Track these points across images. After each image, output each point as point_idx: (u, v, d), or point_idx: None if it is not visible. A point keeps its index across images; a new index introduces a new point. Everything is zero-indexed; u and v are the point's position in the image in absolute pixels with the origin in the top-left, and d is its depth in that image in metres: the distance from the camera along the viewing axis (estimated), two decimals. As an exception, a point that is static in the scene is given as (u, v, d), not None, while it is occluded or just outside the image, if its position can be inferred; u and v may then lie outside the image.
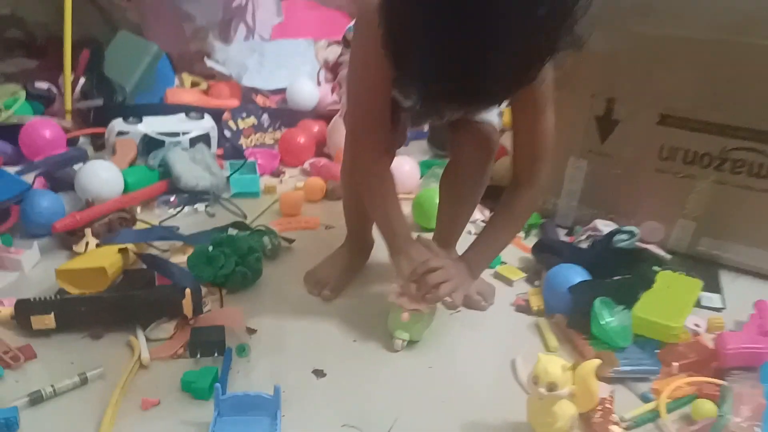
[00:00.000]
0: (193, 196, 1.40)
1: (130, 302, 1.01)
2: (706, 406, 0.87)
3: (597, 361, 0.80)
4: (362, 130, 0.98)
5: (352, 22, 0.99)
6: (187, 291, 1.00)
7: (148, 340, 0.97)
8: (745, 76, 1.10)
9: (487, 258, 1.07)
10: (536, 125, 0.96)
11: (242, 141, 1.66)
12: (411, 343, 1.00)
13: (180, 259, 1.15)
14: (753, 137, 1.14)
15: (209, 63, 1.91)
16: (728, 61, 1.10)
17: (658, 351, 0.99)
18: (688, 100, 1.16)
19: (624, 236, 1.19)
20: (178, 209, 1.37)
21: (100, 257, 1.08)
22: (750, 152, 1.15)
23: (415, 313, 0.97)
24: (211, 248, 1.12)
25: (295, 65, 1.96)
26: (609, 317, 0.99)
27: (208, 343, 0.96)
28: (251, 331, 1.02)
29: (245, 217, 1.37)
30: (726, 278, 1.24)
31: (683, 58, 1.13)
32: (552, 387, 0.77)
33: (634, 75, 1.18)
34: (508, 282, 1.19)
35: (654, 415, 0.88)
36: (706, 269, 1.25)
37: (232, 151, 1.63)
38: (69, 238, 1.20)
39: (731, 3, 1.07)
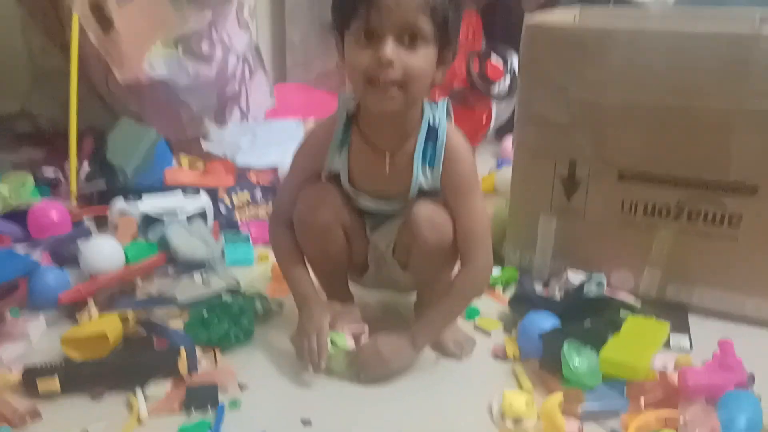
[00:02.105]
0: (190, 266, 1.48)
1: (129, 364, 1.08)
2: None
3: (560, 395, 0.87)
4: (276, 200, 1.27)
5: None
6: (182, 350, 1.07)
7: (146, 398, 1.03)
8: (689, 134, 1.21)
9: (432, 332, 1.14)
10: (466, 210, 1.09)
11: (237, 215, 1.75)
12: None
13: (177, 324, 1.22)
14: (703, 189, 1.23)
15: (205, 145, 2.04)
16: (674, 121, 1.21)
17: (626, 388, 1.05)
18: (643, 158, 1.26)
19: (593, 285, 1.27)
20: (176, 279, 1.44)
21: (102, 325, 1.15)
22: (703, 202, 1.24)
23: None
24: (205, 312, 1.20)
25: (285, 143, 2.09)
26: (577, 359, 1.06)
27: (202, 399, 1.02)
28: (242, 386, 1.08)
29: (238, 283, 1.44)
30: (694, 321, 1.30)
31: (635, 123, 1.24)
32: (517, 420, 0.83)
33: (592, 139, 1.29)
34: (486, 333, 1.26)
35: (623, 449, 0.94)
36: (676, 313, 1.31)
37: (227, 224, 1.72)
38: (73, 309, 1.27)
39: (674, 74, 1.19)
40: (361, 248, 1.21)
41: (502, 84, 2.31)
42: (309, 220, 1.14)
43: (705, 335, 1.25)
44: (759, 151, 1.17)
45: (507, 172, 1.75)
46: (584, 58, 1.25)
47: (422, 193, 1.11)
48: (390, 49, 0.93)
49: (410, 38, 0.95)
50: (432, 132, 1.08)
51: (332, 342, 1.10)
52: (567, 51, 1.26)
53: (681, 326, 1.27)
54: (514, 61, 2.32)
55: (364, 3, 0.93)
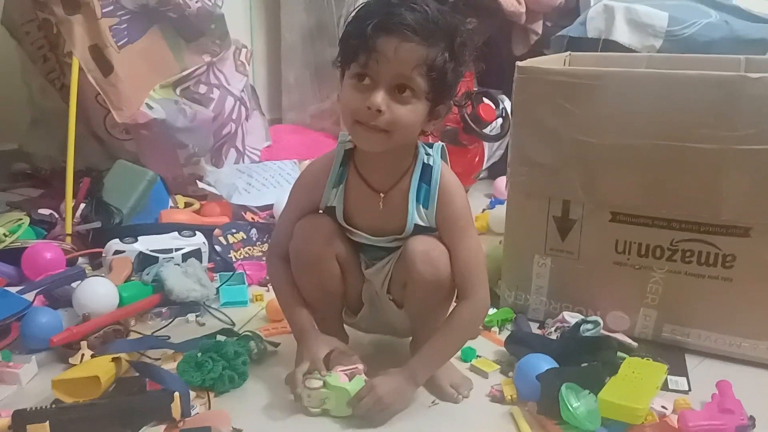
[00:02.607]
0: (184, 307, 1.47)
1: (121, 408, 1.06)
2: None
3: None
4: (273, 235, 1.26)
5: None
6: (176, 394, 1.06)
7: (138, 443, 1.02)
8: (681, 175, 1.22)
9: (431, 368, 1.14)
10: (462, 246, 1.11)
11: (232, 254, 1.75)
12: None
13: (170, 366, 1.21)
14: (696, 229, 1.24)
15: (201, 185, 2.05)
16: (666, 162, 1.22)
17: (625, 432, 1.04)
18: (634, 198, 1.27)
19: (589, 326, 1.27)
20: (170, 320, 1.44)
21: (94, 367, 1.14)
22: (696, 243, 1.24)
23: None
24: (199, 354, 1.19)
25: (281, 183, 2.10)
26: (576, 402, 1.05)
27: (197, 444, 1.01)
28: (237, 430, 1.06)
29: (233, 324, 1.44)
30: (691, 362, 1.30)
31: (626, 163, 1.26)
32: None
33: (583, 180, 1.30)
34: (483, 374, 1.25)
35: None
36: (672, 354, 1.30)
37: (222, 264, 1.72)
38: (66, 351, 1.26)
39: (663, 115, 1.21)
40: (356, 284, 1.21)
41: (495, 125, 2.34)
42: (304, 250, 1.15)
43: (703, 376, 1.24)
44: (750, 192, 1.18)
45: (500, 211, 1.77)
46: (575, 101, 1.27)
47: (418, 231, 1.12)
48: (380, 98, 0.97)
49: (402, 90, 0.99)
50: (426, 173, 1.11)
51: (327, 384, 1.08)
52: (558, 94, 1.28)
53: (678, 367, 1.26)
54: (506, 102, 2.36)
55: (364, 50, 0.96)
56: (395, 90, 0.98)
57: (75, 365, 1.21)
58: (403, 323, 1.22)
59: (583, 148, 1.28)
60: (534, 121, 1.33)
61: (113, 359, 1.17)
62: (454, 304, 1.16)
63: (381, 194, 1.11)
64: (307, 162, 2.23)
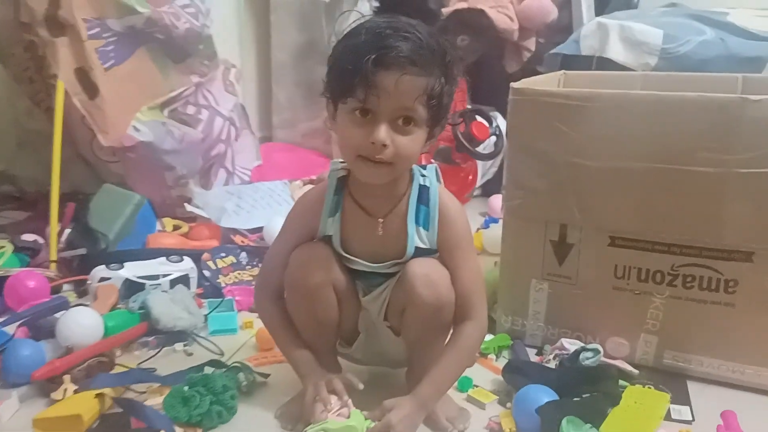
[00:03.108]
0: (172, 336, 1.43)
1: (104, 448, 1.02)
2: None
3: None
4: (263, 267, 1.22)
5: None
6: (162, 433, 1.02)
7: (122, 486, 0.98)
8: (681, 199, 1.19)
9: (439, 392, 1.10)
10: (464, 268, 1.09)
11: (221, 279, 1.71)
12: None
13: (157, 401, 1.17)
14: (698, 254, 1.21)
15: (189, 208, 2.01)
16: (665, 186, 1.19)
17: (629, 468, 1.01)
18: (633, 222, 1.24)
19: (589, 354, 1.23)
20: (157, 350, 1.39)
21: (77, 404, 1.10)
22: (697, 267, 1.21)
23: None
24: (186, 388, 1.14)
25: (271, 205, 2.07)
26: (577, 436, 1.01)
27: (184, 486, 0.97)
28: (227, 470, 1.02)
29: (222, 354, 1.40)
30: (694, 389, 1.26)
31: (624, 185, 1.23)
32: None
33: (581, 202, 1.27)
34: (481, 405, 1.21)
35: None
36: (674, 381, 1.27)
37: (211, 289, 1.68)
38: (48, 385, 1.21)
39: (661, 137, 1.18)
40: (352, 313, 1.17)
41: (488, 143, 2.31)
42: (300, 278, 1.11)
43: (706, 405, 1.20)
44: (752, 215, 1.15)
45: (494, 231, 1.74)
46: (569, 122, 1.24)
47: (418, 253, 1.10)
48: (383, 133, 0.96)
49: (404, 122, 0.98)
50: (423, 194, 1.09)
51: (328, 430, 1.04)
52: (552, 115, 1.25)
53: (681, 395, 1.23)
54: (499, 119, 2.34)
55: (363, 85, 0.94)
56: (397, 122, 0.97)
57: (57, 400, 1.17)
58: (399, 352, 1.18)
59: (578, 170, 1.25)
60: (529, 143, 1.30)
61: (97, 395, 1.13)
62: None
63: (380, 219, 1.09)
64: (298, 182, 2.21)
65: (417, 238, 1.09)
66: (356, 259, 1.12)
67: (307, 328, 1.16)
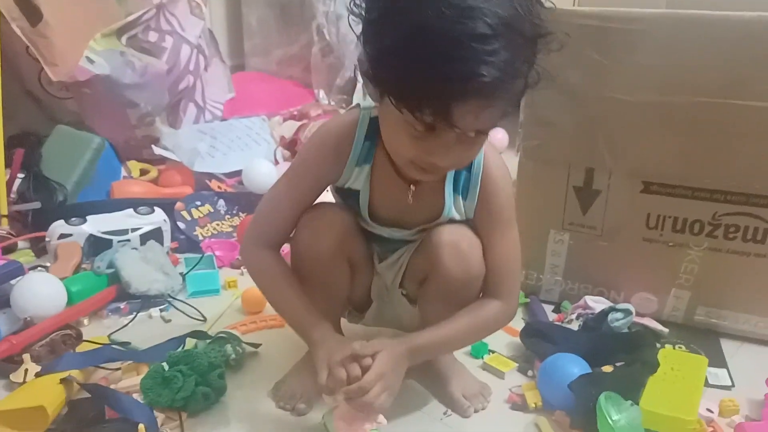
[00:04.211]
0: (146, 300, 1.28)
1: (74, 445, 0.88)
2: None
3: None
4: (260, 216, 0.98)
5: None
6: (141, 427, 0.88)
7: (97, 488, 0.84)
8: (731, 139, 1.06)
9: (433, 352, 0.96)
10: (502, 243, 0.94)
11: (198, 231, 1.54)
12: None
13: (133, 381, 1.02)
14: (745, 201, 1.08)
15: (157, 150, 1.80)
16: (712, 123, 1.05)
17: (674, 447, 0.90)
18: (672, 166, 1.11)
19: (619, 315, 1.11)
20: (131, 318, 1.24)
21: (39, 391, 0.96)
22: (743, 216, 1.09)
23: None
24: (166, 367, 1.00)
25: (249, 145, 1.88)
26: (617, 415, 0.90)
27: (169, 485, 0.84)
28: (218, 464, 0.90)
29: (205, 320, 1.25)
30: (728, 348, 1.17)
31: (664, 123, 1.08)
32: None
33: (612, 143, 1.13)
34: (500, 374, 1.09)
35: None
36: (706, 339, 1.18)
37: (187, 243, 1.52)
38: (6, 366, 1.07)
39: (710, 65, 1.03)
40: (366, 282, 1.03)
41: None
42: (309, 250, 0.95)
43: (744, 367, 1.12)
44: (811, 158, 1.02)
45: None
46: (606, 50, 1.08)
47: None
48: (449, 160, 0.80)
49: (476, 134, 0.78)
50: None
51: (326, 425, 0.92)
52: (586, 41, 1.08)
53: (716, 357, 1.13)
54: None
55: (435, 114, 0.72)
56: (467, 133, 0.77)
57: (18, 383, 1.02)
58: (413, 319, 1.04)
59: (611, 106, 1.10)
60: (553, 74, 1.12)
61: (62, 380, 0.98)
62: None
63: (411, 186, 0.90)
64: (278, 118, 2.01)
65: (454, 209, 0.93)
66: (380, 227, 0.96)
67: (313, 300, 0.97)
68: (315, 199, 0.96)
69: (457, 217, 0.94)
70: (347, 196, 0.95)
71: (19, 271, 1.23)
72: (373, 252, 1.01)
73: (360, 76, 0.80)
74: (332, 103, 2.36)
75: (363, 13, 0.76)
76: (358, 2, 0.76)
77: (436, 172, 0.83)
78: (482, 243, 0.93)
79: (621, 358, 1.02)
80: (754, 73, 1.01)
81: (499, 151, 0.99)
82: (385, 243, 0.99)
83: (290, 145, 1.91)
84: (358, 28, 0.77)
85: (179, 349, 1.10)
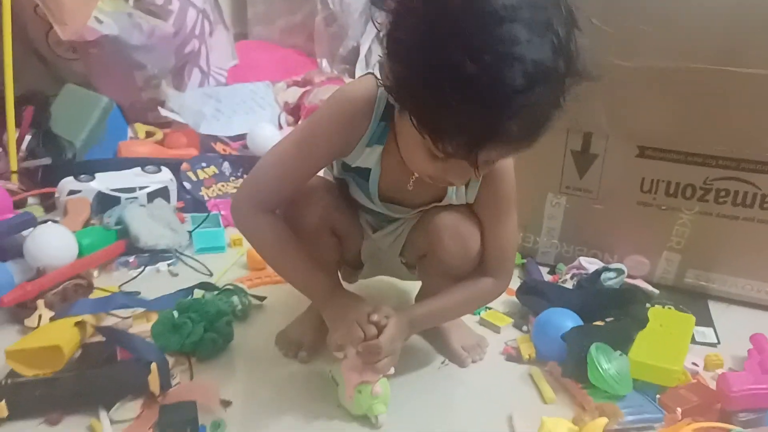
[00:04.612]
0: (154, 255, 1.31)
1: (89, 382, 0.92)
2: (720, 457, 0.82)
3: (604, 421, 0.76)
4: (257, 178, 0.92)
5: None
6: (153, 366, 0.92)
7: (112, 422, 0.89)
8: (724, 105, 1.08)
9: (430, 322, 1.01)
10: (501, 229, 0.95)
11: (203, 192, 1.58)
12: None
13: (143, 327, 1.07)
14: (736, 166, 1.12)
15: (163, 112, 1.83)
16: (707, 90, 1.08)
17: (659, 396, 0.95)
18: (667, 131, 1.14)
19: (611, 274, 1.16)
20: (139, 271, 1.28)
21: (55, 333, 0.99)
22: (733, 181, 1.13)
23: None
24: (176, 314, 1.04)
25: (254, 110, 1.90)
26: (606, 364, 0.94)
27: (180, 421, 0.87)
28: (226, 403, 0.94)
29: (211, 274, 1.29)
30: (716, 309, 1.21)
31: (660, 89, 1.11)
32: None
33: (610, 107, 1.15)
34: (495, 329, 1.14)
35: (665, 469, 0.83)
36: (695, 301, 1.22)
37: (193, 203, 1.55)
38: (20, 312, 1.10)
39: (707, 32, 1.06)
40: (354, 246, 1.05)
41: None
42: (294, 224, 0.94)
43: (730, 326, 1.16)
44: (803, 125, 1.06)
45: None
46: (608, 13, 1.08)
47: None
48: (464, 187, 0.88)
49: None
50: None
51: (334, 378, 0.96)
52: (584, 6, 1.10)
53: (703, 317, 1.17)
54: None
55: (463, 155, 0.70)
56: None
57: (32, 329, 1.06)
58: (410, 276, 1.08)
59: (612, 71, 1.11)
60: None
61: (76, 323, 1.02)
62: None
63: (414, 174, 0.89)
64: (282, 84, 2.03)
65: (454, 195, 0.94)
66: (380, 205, 0.96)
67: None
68: (319, 170, 0.95)
69: (455, 201, 0.95)
70: (355, 174, 0.94)
71: (31, 222, 1.26)
72: (360, 220, 1.02)
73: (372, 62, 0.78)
74: (335, 72, 2.38)
75: (390, 23, 0.70)
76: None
77: (447, 184, 0.85)
78: (482, 227, 0.95)
79: (612, 314, 1.06)
80: (751, 40, 1.03)
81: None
82: (381, 215, 1.00)
83: (294, 110, 1.93)
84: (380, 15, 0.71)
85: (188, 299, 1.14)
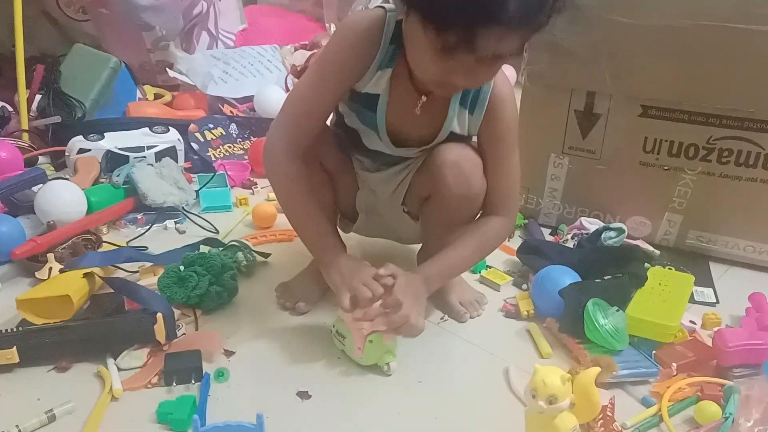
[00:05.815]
0: (162, 213, 1.33)
1: (98, 330, 0.95)
2: (711, 409, 0.84)
3: (597, 369, 0.77)
4: (285, 118, 0.94)
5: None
6: (159, 316, 0.94)
7: (119, 369, 0.91)
8: (731, 63, 1.07)
9: (446, 276, 1.00)
10: (504, 164, 0.97)
11: (210, 153, 1.59)
12: (396, 356, 0.94)
13: (150, 281, 1.09)
14: (739, 126, 1.11)
15: (172, 73, 1.84)
16: (710, 47, 1.07)
17: (655, 351, 0.96)
18: (670, 90, 1.13)
19: (612, 233, 1.16)
20: (147, 228, 1.30)
21: (65, 283, 1.02)
22: (736, 141, 1.12)
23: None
24: (182, 268, 1.06)
25: (261, 72, 1.90)
26: (603, 320, 0.95)
27: (184, 369, 0.90)
28: (229, 353, 0.96)
29: (217, 232, 1.31)
30: (716, 271, 1.22)
31: (663, 47, 1.10)
32: (552, 400, 0.73)
33: (614, 67, 1.15)
34: (495, 287, 1.15)
35: (657, 420, 0.85)
36: (696, 262, 1.22)
37: (200, 163, 1.57)
38: (31, 265, 1.13)
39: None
40: (349, 192, 1.06)
41: None
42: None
43: (729, 287, 1.16)
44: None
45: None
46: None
47: (450, 138, 0.97)
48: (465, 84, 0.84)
49: (493, 59, 0.78)
50: None
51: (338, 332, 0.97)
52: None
53: (704, 277, 1.18)
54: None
55: (457, 37, 0.74)
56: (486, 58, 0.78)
57: (42, 280, 1.09)
58: (411, 232, 1.09)
59: (615, 30, 1.12)
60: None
61: (85, 275, 1.04)
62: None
63: (423, 97, 0.92)
64: (289, 47, 2.02)
65: (456, 122, 0.95)
66: (383, 144, 0.97)
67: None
68: (339, 100, 0.96)
69: (457, 131, 0.95)
70: (361, 106, 0.95)
71: (42, 177, 1.28)
72: (354, 166, 1.03)
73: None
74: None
75: None
76: None
77: (453, 89, 0.87)
78: (485, 163, 0.96)
79: (610, 272, 1.06)
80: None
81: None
82: (378, 156, 1.00)
83: (301, 73, 1.93)
84: None
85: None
